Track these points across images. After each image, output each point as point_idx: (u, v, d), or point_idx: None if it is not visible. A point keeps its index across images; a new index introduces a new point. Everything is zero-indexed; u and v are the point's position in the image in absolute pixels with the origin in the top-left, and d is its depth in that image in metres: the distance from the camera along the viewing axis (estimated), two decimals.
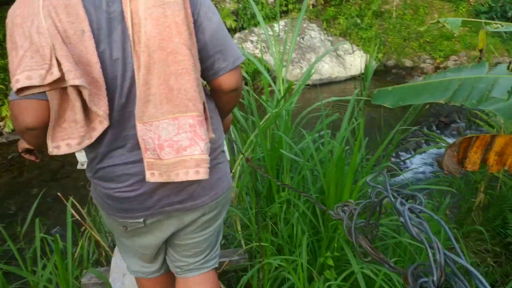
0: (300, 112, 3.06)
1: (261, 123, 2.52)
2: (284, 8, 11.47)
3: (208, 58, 1.24)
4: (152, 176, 1.21)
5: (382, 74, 11.01)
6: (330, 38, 11.27)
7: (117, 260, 2.23)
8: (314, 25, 11.30)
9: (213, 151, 1.34)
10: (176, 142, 1.17)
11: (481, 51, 2.98)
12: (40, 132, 1.15)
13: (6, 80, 9.40)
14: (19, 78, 1.03)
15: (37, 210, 3.01)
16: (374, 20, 11.63)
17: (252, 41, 10.88)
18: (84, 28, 1.07)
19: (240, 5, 11.39)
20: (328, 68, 10.63)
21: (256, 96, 3.03)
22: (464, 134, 5.97)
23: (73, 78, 1.03)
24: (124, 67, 1.15)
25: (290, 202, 2.33)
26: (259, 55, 10.69)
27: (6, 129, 9.13)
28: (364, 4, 11.80)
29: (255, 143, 2.62)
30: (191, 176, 1.18)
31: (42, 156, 6.58)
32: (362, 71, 10.81)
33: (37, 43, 1.03)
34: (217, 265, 1.65)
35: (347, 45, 11.22)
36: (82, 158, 1.66)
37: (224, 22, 9.27)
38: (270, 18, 11.39)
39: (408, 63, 11.40)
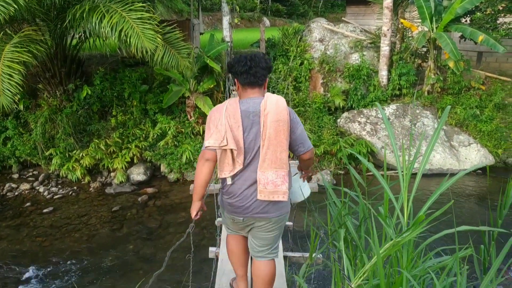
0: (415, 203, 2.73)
1: (380, 251, 2.22)
2: (397, 92, 11.15)
3: (295, 145, 2.60)
4: (261, 196, 2.52)
5: (501, 172, 10.01)
6: (444, 127, 10.63)
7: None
8: (428, 112, 10.77)
9: (288, 195, 2.61)
10: (275, 182, 2.50)
11: None
12: (210, 163, 2.54)
13: (124, 135, 10.16)
14: (210, 141, 2.48)
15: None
16: (496, 113, 10.79)
17: (360, 122, 10.63)
18: (240, 125, 2.48)
19: (351, 86, 11.31)
20: (439, 159, 9.95)
21: (374, 212, 2.75)
22: None
23: (231, 145, 2.43)
24: (254, 144, 2.52)
25: None
26: (366, 137, 10.39)
27: (116, 181, 9.70)
28: (485, 95, 11.07)
29: (369, 272, 2.31)
30: (280, 198, 2.52)
31: (143, 213, 6.72)
32: (478, 166, 9.99)
33: (219, 129, 2.46)
34: (276, 257, 2.82)
35: (462, 137, 10.48)
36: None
37: (333, 101, 9.30)
38: (381, 101, 11.12)
39: None
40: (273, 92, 8.37)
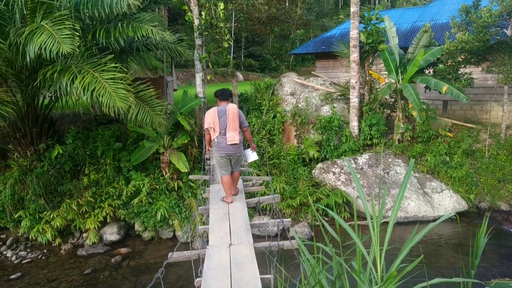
0: (391, 252, 2.65)
1: None
2: (369, 142, 11.39)
3: (241, 123, 6.27)
4: (229, 142, 6.08)
5: (475, 217, 10.16)
6: (416, 174, 10.82)
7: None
8: (399, 161, 10.99)
9: (240, 141, 6.23)
10: (233, 136, 6.08)
11: None
12: (209, 134, 6.25)
13: (97, 194, 9.95)
14: (206, 125, 6.23)
15: None
16: (465, 159, 11.10)
17: (334, 173, 10.73)
18: (216, 116, 6.14)
19: (324, 137, 11.52)
20: (414, 206, 10.04)
21: (347, 268, 2.71)
22: None
23: (212, 125, 6.16)
24: (224, 122, 6.11)
25: None
26: (341, 187, 10.46)
27: (88, 242, 9.37)
28: (454, 142, 11.41)
29: None
30: (236, 141, 6.10)
31: (116, 275, 6.48)
32: (452, 212, 10.12)
33: (208, 120, 6.17)
34: (239, 171, 6.65)
35: (435, 183, 10.67)
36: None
37: (307, 152, 9.52)
38: (354, 151, 11.32)
39: (504, 206, 10.49)
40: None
